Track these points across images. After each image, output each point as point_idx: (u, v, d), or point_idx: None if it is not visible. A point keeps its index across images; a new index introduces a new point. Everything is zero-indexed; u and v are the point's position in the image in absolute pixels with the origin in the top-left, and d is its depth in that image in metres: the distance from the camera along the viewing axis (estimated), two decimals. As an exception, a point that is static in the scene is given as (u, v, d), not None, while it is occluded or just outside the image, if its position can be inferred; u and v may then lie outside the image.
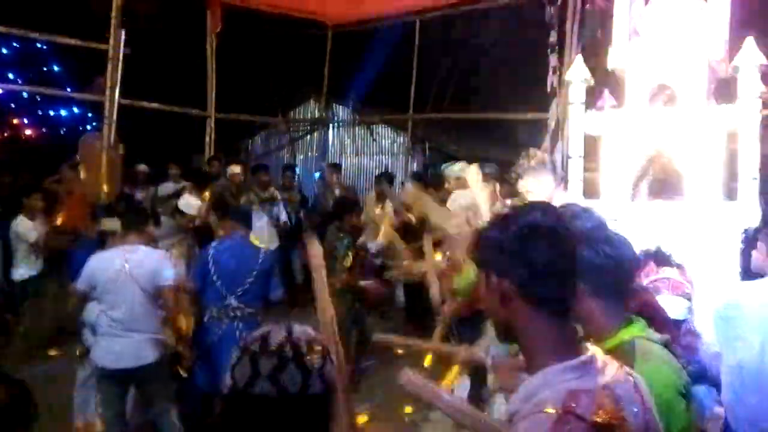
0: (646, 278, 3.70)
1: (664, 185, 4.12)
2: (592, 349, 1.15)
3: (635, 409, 1.10)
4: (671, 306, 3.11)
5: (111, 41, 7.42)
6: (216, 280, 3.97)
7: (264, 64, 11.02)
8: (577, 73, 4.03)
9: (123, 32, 7.46)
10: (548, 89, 7.24)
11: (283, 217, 7.07)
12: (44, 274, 5.94)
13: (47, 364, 5.39)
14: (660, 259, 3.62)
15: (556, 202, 3.00)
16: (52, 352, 5.65)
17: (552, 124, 7.13)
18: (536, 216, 1.13)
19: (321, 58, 10.40)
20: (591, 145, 4.05)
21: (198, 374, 3.99)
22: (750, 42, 3.45)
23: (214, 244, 4.26)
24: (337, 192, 7.59)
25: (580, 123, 3.99)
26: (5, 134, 14.38)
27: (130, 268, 3.60)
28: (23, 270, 5.88)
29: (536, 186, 3.04)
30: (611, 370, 1.13)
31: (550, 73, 7.19)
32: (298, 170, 9.68)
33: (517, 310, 1.13)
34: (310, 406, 1.01)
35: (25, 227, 5.86)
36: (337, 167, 8.51)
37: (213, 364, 3.86)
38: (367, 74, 10.37)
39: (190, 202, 5.55)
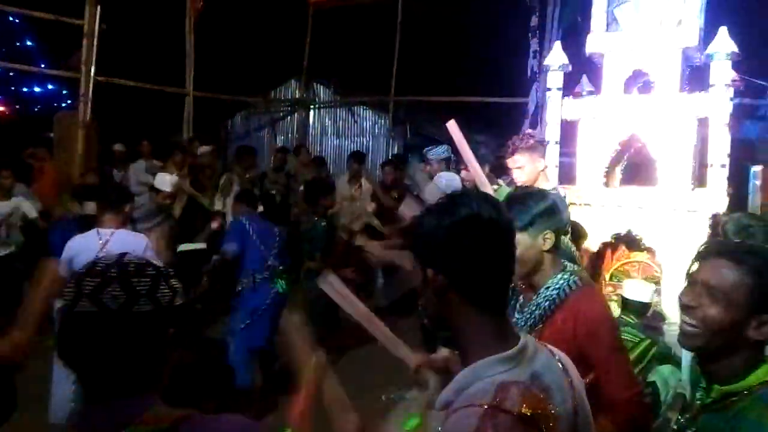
0: (618, 261, 3.81)
1: (637, 171, 4.20)
2: (524, 338, 1.13)
3: (563, 395, 1.09)
4: (640, 289, 3.21)
5: (86, 16, 7.27)
6: (258, 242, 4.38)
7: (244, 42, 10.86)
8: (555, 60, 4.07)
9: (99, 7, 7.31)
10: (528, 73, 7.28)
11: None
12: (15, 254, 5.83)
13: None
14: (631, 243, 3.72)
15: (540, 185, 3.05)
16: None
17: (531, 108, 7.18)
18: (472, 207, 1.08)
19: (302, 37, 10.28)
20: (569, 131, 4.11)
21: (249, 336, 4.25)
22: (723, 31, 3.51)
23: (242, 217, 4.55)
24: (308, 174, 7.56)
25: (558, 109, 4.04)
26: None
27: (107, 252, 3.56)
28: None
29: (527, 163, 3.08)
30: (541, 356, 1.13)
31: (531, 56, 7.23)
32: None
33: (452, 304, 1.10)
34: (136, 322, 1.04)
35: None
36: (303, 149, 8.50)
37: (269, 321, 4.26)
38: (349, 54, 10.28)
39: (165, 179, 5.48)
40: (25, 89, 14.80)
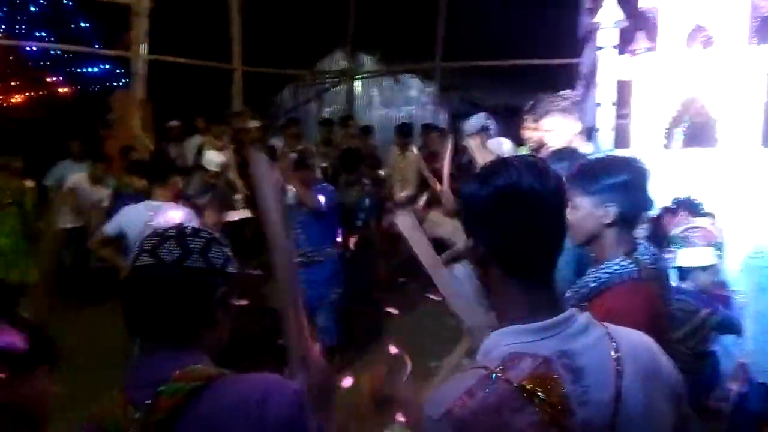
0: (678, 228, 3.65)
1: (699, 132, 3.98)
2: (570, 313, 1.07)
3: (600, 382, 1.02)
4: (697, 257, 3.07)
5: (135, -5, 7.42)
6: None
7: (289, 14, 10.85)
8: (608, 16, 3.86)
9: (146, -14, 7.45)
10: (582, 31, 6.96)
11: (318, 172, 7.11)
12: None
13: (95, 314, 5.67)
14: (692, 208, 3.55)
15: (576, 147, 2.93)
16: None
17: (585, 68, 6.88)
18: (511, 177, 1.05)
19: (345, 7, 10.18)
20: (623, 92, 3.92)
21: (338, 300, 4.50)
22: (797, -24, 3.23)
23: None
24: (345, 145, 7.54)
25: (612, 68, 3.85)
26: (40, 92, 14.66)
27: (156, 223, 3.66)
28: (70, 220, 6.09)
29: (559, 125, 2.93)
30: (589, 336, 1.06)
31: (585, 14, 6.89)
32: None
33: (491, 273, 1.10)
34: (188, 276, 1.13)
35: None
36: (346, 119, 8.46)
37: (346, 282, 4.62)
38: (393, 22, 10.12)
39: (212, 158, 5.60)
40: (82, 70, 15.36)
